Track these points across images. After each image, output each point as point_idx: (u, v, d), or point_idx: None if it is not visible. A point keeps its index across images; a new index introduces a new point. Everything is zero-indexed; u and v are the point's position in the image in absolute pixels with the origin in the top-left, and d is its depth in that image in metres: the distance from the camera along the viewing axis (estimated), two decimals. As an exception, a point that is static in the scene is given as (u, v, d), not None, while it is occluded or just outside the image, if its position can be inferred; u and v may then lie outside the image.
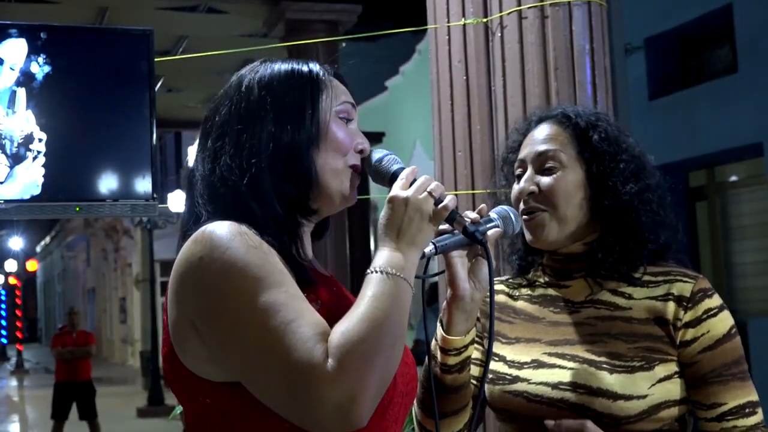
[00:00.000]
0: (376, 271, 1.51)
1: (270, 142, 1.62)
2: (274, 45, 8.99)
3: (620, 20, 8.96)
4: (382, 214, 1.58)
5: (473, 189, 3.75)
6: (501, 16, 3.70)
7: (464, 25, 3.80)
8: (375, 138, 12.73)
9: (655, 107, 9.59)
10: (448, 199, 1.58)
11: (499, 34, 3.70)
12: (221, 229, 1.52)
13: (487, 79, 3.79)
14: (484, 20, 3.77)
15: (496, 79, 3.74)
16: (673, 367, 1.85)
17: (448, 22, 3.85)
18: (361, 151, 1.70)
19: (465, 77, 3.81)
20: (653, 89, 9.71)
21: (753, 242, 9.52)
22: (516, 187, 1.98)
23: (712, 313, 1.86)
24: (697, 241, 9.95)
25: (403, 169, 1.65)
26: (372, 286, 1.49)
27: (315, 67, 1.72)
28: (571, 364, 1.86)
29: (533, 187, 1.93)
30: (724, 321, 1.87)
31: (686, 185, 10.02)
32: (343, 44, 10.20)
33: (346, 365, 1.39)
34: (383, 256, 1.53)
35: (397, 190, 1.58)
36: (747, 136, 8.59)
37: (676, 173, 9.74)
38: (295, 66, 1.71)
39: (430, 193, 1.57)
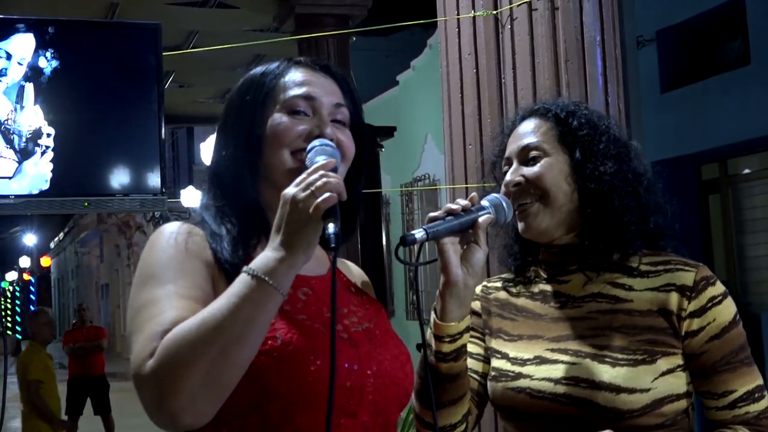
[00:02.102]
0: (244, 270, 1.47)
1: (218, 157, 1.75)
2: (284, 39, 8.99)
3: (632, 13, 8.93)
4: None
5: (484, 182, 3.73)
6: (511, 8, 3.67)
7: (474, 17, 3.77)
8: (386, 132, 12.68)
9: (667, 100, 9.54)
10: (321, 199, 1.46)
11: (509, 26, 3.68)
12: (161, 229, 1.63)
13: (497, 72, 3.77)
14: (494, 12, 3.75)
15: (507, 72, 3.72)
16: (676, 360, 1.84)
17: (458, 14, 3.83)
18: (318, 136, 1.67)
19: (475, 70, 3.79)
20: (665, 82, 9.65)
21: (766, 235, 9.46)
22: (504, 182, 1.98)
23: (716, 301, 1.86)
24: (710, 234, 9.90)
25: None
26: (233, 285, 1.46)
27: (270, 67, 1.78)
28: (573, 359, 1.85)
29: (519, 178, 1.93)
30: (729, 308, 1.88)
31: (699, 178, 9.96)
32: (354, 38, 10.18)
33: (160, 365, 1.40)
34: (260, 256, 1.49)
35: (291, 186, 1.51)
36: (760, 129, 8.54)
37: (688, 166, 9.69)
38: (251, 74, 1.79)
39: (313, 191, 1.47)
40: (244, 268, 1.47)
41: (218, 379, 1.41)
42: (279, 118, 1.70)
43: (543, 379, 1.86)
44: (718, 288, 1.87)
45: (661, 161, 9.35)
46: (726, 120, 8.83)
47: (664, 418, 1.81)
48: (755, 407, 1.86)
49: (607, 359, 1.82)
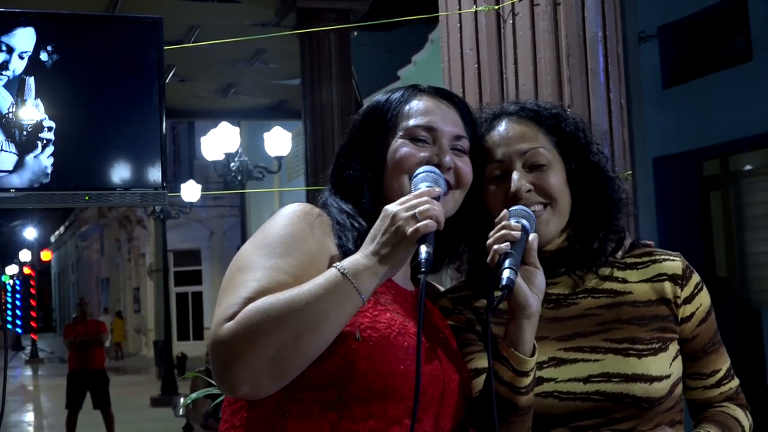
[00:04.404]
0: (335, 266, 1.56)
1: (342, 173, 1.84)
2: (285, 33, 8.98)
3: (633, 8, 8.91)
4: None
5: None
6: (513, 3, 3.67)
7: (476, 12, 3.77)
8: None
9: (668, 96, 9.53)
10: (423, 223, 1.56)
11: (511, 21, 3.68)
12: (295, 204, 1.73)
13: (498, 67, 3.76)
14: (496, 7, 3.74)
15: (508, 67, 3.71)
16: (677, 345, 1.92)
17: (460, 9, 3.82)
18: (437, 165, 1.76)
19: (476, 65, 3.78)
20: (667, 78, 9.63)
21: (767, 232, 9.46)
22: (512, 185, 1.89)
23: (700, 287, 1.97)
24: (711, 231, 9.90)
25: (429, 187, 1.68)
26: (321, 275, 1.56)
27: (395, 94, 1.86)
28: (595, 356, 1.86)
29: (529, 185, 1.90)
30: (707, 293, 1.99)
31: (700, 174, 9.96)
32: (355, 33, 10.18)
33: (235, 332, 1.48)
34: (351, 257, 1.59)
35: (394, 203, 1.62)
36: (761, 125, 8.53)
37: (689, 162, 9.68)
38: (376, 100, 1.88)
39: (415, 214, 1.57)
40: (335, 264, 1.57)
41: (284, 361, 1.50)
42: (401, 144, 1.79)
43: (569, 380, 1.84)
44: (697, 275, 1.98)
45: (662, 157, 9.35)
46: (727, 116, 8.82)
47: (675, 400, 1.89)
48: (734, 383, 2.04)
49: (630, 352, 1.85)
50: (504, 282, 1.63)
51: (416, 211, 1.58)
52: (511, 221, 1.75)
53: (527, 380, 1.75)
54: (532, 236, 1.75)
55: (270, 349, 1.47)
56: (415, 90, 1.87)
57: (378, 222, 1.61)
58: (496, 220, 1.76)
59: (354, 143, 1.85)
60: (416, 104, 1.83)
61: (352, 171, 1.82)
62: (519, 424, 1.78)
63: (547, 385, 1.85)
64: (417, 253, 1.58)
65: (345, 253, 1.67)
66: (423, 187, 1.68)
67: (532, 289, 1.73)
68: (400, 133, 1.80)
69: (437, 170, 1.74)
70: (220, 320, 1.51)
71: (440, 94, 1.88)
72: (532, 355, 1.74)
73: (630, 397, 1.81)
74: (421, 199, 1.60)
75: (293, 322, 1.48)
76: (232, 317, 1.49)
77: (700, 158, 9.80)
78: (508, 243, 1.70)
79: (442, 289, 2.05)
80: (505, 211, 1.78)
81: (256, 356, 1.46)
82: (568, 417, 1.83)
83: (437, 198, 1.65)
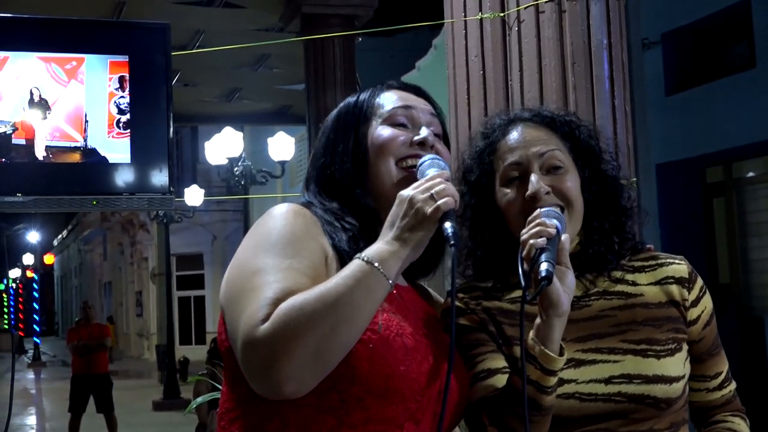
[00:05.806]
0: (357, 257, 1.58)
1: (324, 174, 1.86)
2: (290, 39, 9.00)
3: (637, 15, 8.93)
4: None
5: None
6: (518, 11, 3.68)
7: (481, 19, 3.78)
8: (391, 133, 12.70)
9: (672, 103, 9.54)
10: (442, 201, 1.59)
11: (516, 29, 3.69)
12: (282, 205, 1.73)
13: (504, 74, 3.77)
14: (501, 15, 3.75)
15: (513, 74, 3.73)
16: (687, 346, 1.94)
17: (465, 16, 3.83)
18: (421, 144, 1.80)
19: (482, 72, 3.80)
20: (670, 85, 9.64)
21: (770, 238, 9.47)
22: (530, 188, 1.89)
23: (704, 290, 2.00)
24: (714, 237, 9.90)
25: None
26: (346, 268, 1.57)
27: (364, 92, 1.91)
28: (614, 357, 1.87)
29: (548, 187, 1.90)
30: (710, 296, 2.01)
31: (703, 181, 9.96)
32: (359, 39, 10.19)
33: (274, 331, 1.47)
34: (372, 247, 1.60)
35: (408, 188, 1.64)
36: (765, 132, 8.53)
37: (693, 169, 9.69)
38: (347, 100, 1.92)
39: (432, 195, 1.60)
40: (357, 255, 1.58)
41: (325, 354, 1.51)
42: (381, 129, 1.82)
43: (590, 381, 1.85)
44: (700, 278, 2.01)
45: (665, 164, 9.36)
46: (731, 123, 8.83)
47: (685, 399, 1.91)
48: (733, 385, 2.05)
49: (649, 353, 1.87)
50: (543, 274, 1.65)
51: (433, 191, 1.60)
52: (547, 220, 1.76)
53: (554, 379, 1.76)
54: (564, 236, 1.76)
55: (311, 343, 1.47)
56: (383, 85, 1.93)
57: (394, 208, 1.63)
58: (530, 218, 1.78)
59: (332, 141, 1.88)
60: (388, 94, 1.89)
61: (337, 166, 1.83)
62: (540, 424, 1.79)
63: (567, 386, 1.84)
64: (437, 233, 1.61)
65: (339, 252, 1.69)
66: (432, 172, 1.70)
67: (564, 288, 1.73)
68: (379, 121, 1.84)
69: (439, 156, 1.78)
70: (253, 324, 1.49)
71: (409, 86, 1.94)
72: (561, 354, 1.76)
73: (651, 398, 1.83)
74: (434, 180, 1.63)
75: (330, 315, 1.49)
76: (265, 318, 1.49)
77: (703, 165, 9.81)
78: (544, 238, 1.71)
79: (434, 293, 2.04)
80: (537, 210, 1.80)
81: (298, 352, 1.47)
82: (588, 418, 1.84)
83: (447, 180, 1.67)
